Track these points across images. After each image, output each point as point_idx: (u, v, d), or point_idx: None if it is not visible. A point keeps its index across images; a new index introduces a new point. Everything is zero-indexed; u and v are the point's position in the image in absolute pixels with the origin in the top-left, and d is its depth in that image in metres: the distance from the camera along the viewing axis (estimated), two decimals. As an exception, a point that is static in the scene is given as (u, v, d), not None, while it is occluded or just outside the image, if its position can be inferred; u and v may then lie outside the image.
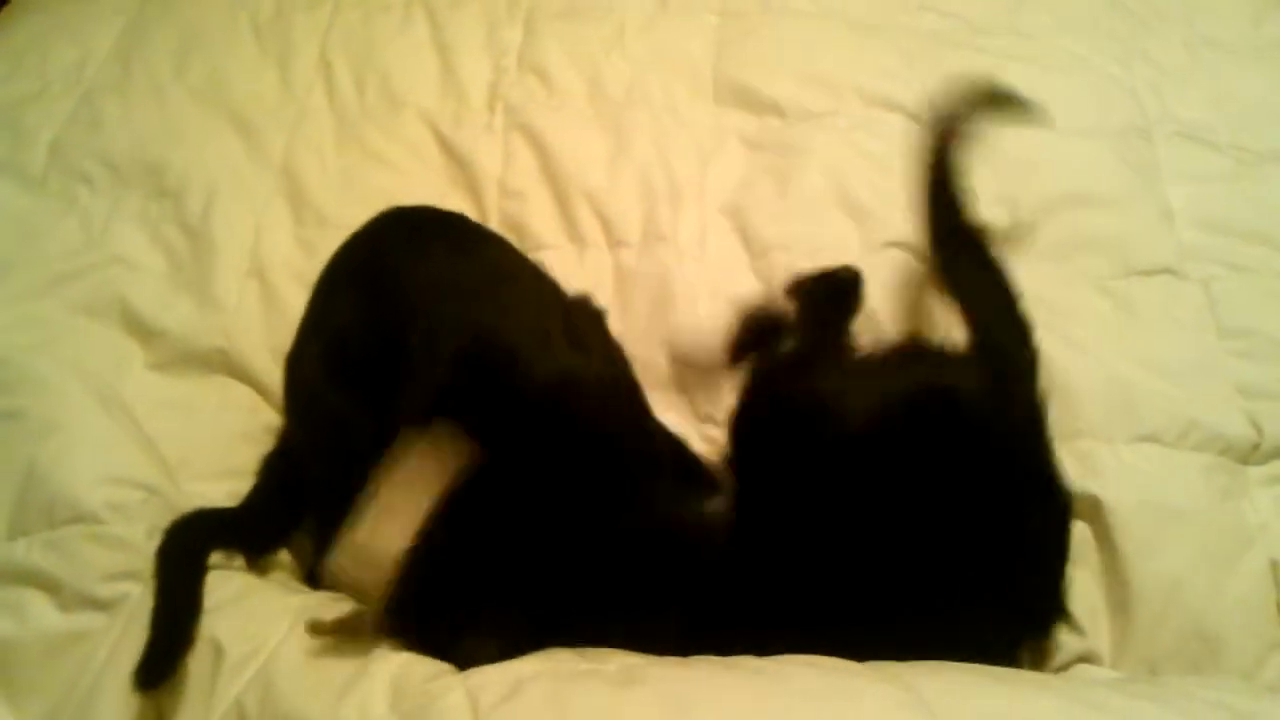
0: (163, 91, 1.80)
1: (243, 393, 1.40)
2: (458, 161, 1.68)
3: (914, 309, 1.42)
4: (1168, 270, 1.48)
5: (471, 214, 1.56)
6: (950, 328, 1.39)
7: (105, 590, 1.10)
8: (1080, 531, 1.20)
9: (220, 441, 1.35)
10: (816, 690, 0.89)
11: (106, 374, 1.36)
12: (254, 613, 1.06)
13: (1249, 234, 1.52)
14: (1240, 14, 1.91)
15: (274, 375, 1.38)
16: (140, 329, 1.44)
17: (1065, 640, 1.14)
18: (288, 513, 1.25)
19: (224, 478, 1.30)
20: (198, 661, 1.01)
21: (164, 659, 1.02)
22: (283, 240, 1.57)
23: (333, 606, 1.09)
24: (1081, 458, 1.25)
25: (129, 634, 1.05)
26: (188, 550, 1.14)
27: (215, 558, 1.15)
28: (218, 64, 1.84)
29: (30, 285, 1.48)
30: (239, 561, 1.19)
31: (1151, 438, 1.27)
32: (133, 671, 1.01)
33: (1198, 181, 1.60)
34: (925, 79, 1.73)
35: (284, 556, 1.24)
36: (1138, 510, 1.19)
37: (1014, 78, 1.73)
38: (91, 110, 1.76)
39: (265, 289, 1.50)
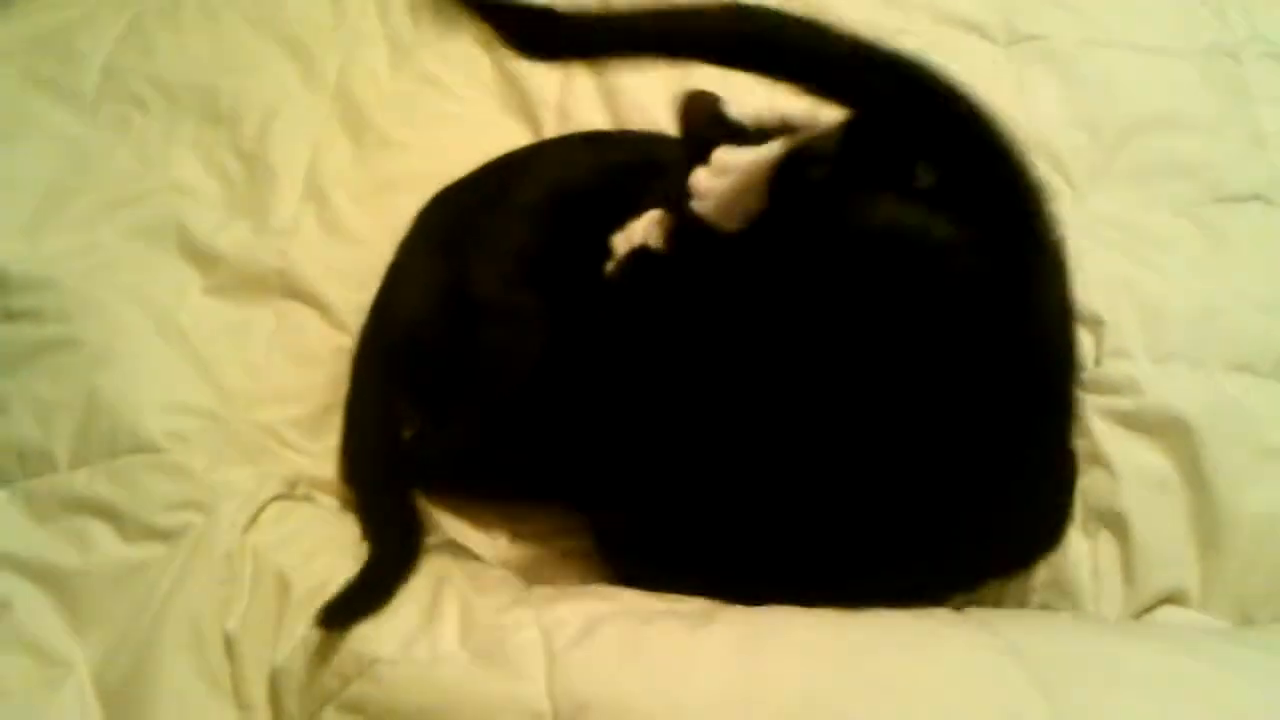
0: (214, 15, 1.76)
1: (302, 314, 1.37)
2: (514, 86, 1.63)
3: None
4: (1259, 197, 1.41)
5: (528, 140, 1.52)
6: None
7: (167, 520, 1.08)
8: (1161, 460, 1.15)
9: (279, 365, 1.33)
10: (900, 631, 0.86)
11: (164, 300, 1.34)
12: (320, 546, 1.04)
13: (1344, 159, 1.45)
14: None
15: (335, 293, 1.36)
16: (197, 254, 1.41)
17: (1151, 577, 1.10)
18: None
19: (284, 402, 1.28)
20: (263, 594, 1.00)
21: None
22: (341, 162, 1.53)
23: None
24: (1174, 382, 1.19)
25: (192, 565, 1.03)
26: None
27: (279, 486, 1.13)
28: (268, -14, 1.80)
29: (86, 212, 1.45)
30: (302, 489, 1.18)
31: (1246, 367, 1.21)
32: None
33: (1291, 104, 1.52)
34: (998, -4, 1.67)
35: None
36: (1231, 442, 1.14)
37: (1091, -7, 1.67)
38: (143, 34, 1.72)
39: (324, 210, 1.47)
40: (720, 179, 1.01)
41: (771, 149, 0.99)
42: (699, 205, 1.02)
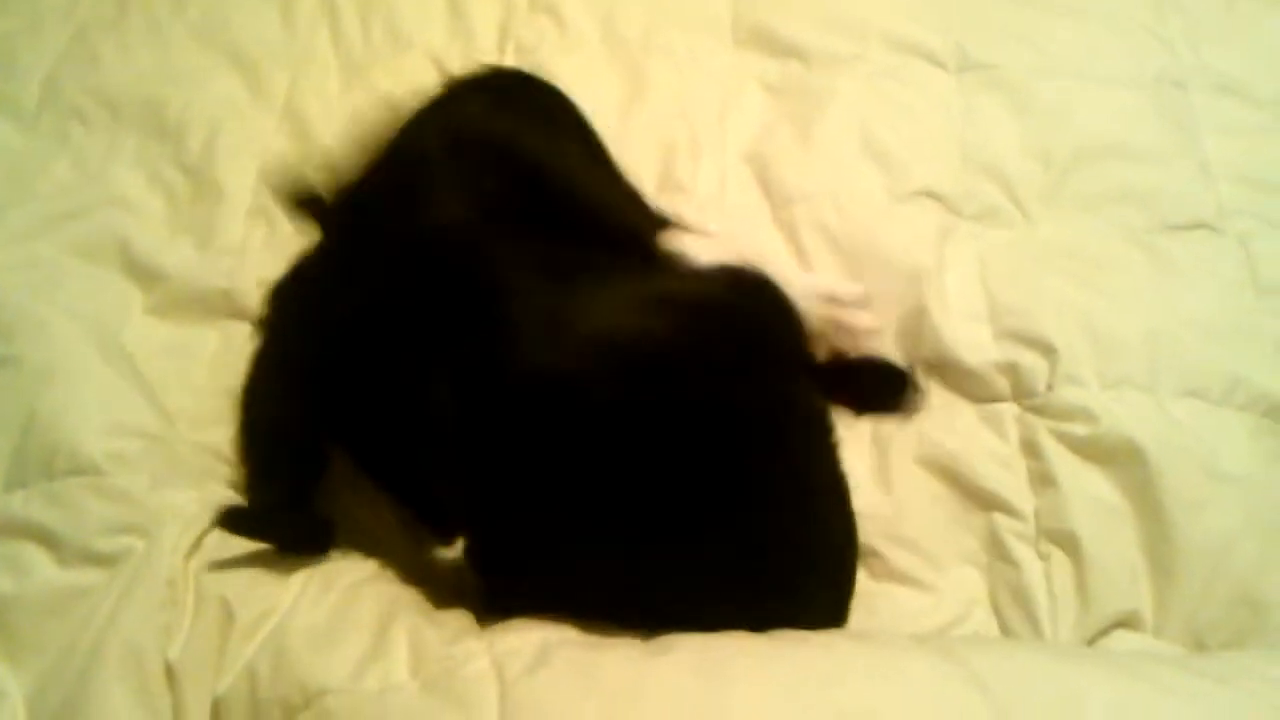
0: (160, 28, 1.74)
1: (246, 335, 1.34)
2: (464, 104, 1.62)
3: (944, 261, 1.37)
4: (1205, 225, 1.43)
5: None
6: (989, 276, 1.35)
7: (106, 544, 1.04)
8: (1111, 488, 1.16)
9: (222, 387, 1.29)
10: (862, 659, 0.85)
11: (105, 318, 1.31)
12: (264, 571, 1.01)
13: (1289, 190, 1.47)
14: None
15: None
16: (139, 271, 1.39)
17: (1104, 601, 1.10)
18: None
19: (227, 424, 1.25)
20: (206, 622, 0.96)
21: None
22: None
23: (345, 565, 1.06)
24: (1126, 408, 1.20)
25: (132, 591, 1.00)
26: None
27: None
28: (216, 1, 1.78)
29: (25, 226, 1.42)
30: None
31: (1196, 393, 1.22)
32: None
33: (1235, 135, 1.54)
34: (950, 23, 1.68)
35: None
36: (1184, 468, 1.15)
37: (1041, 24, 1.69)
38: (87, 46, 1.70)
39: (271, 229, 1.45)
40: None
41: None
42: None
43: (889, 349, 1.30)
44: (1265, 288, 1.36)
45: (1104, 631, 1.10)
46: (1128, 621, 1.10)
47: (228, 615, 0.96)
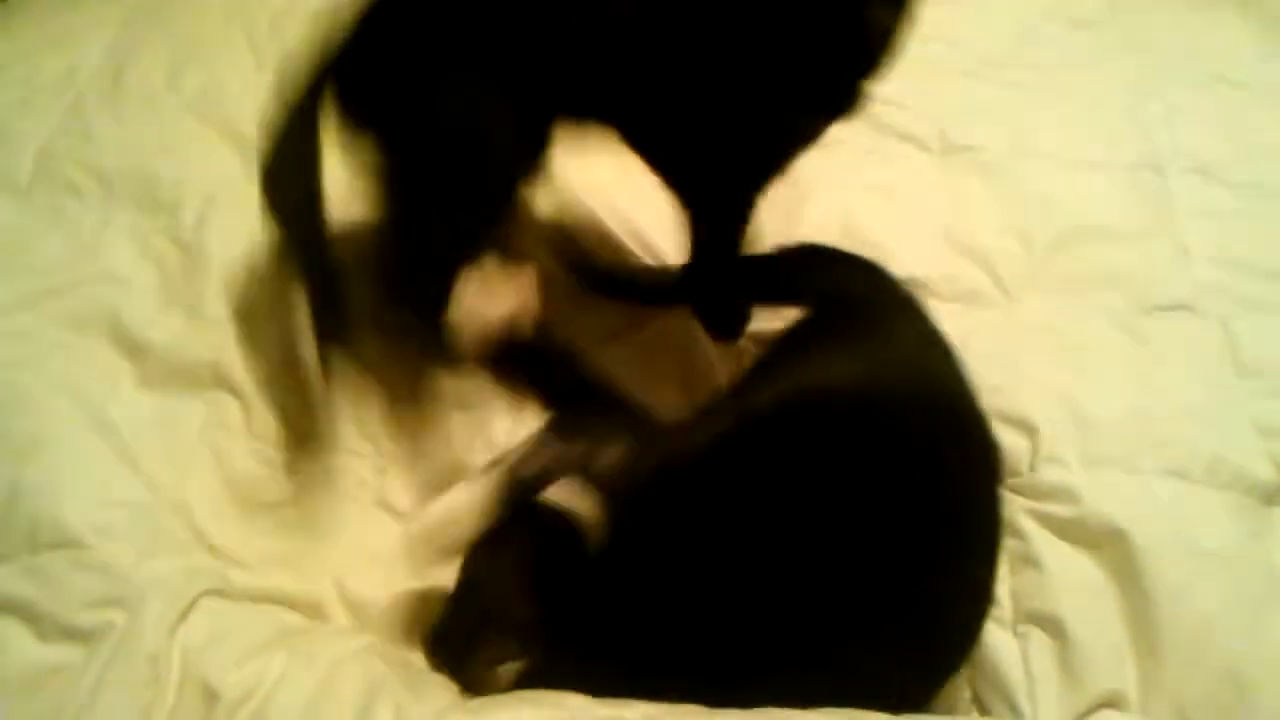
0: (155, 103, 1.75)
1: (233, 410, 1.34)
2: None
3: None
4: (1185, 307, 1.45)
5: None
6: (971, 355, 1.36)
7: (87, 619, 1.04)
8: (1095, 567, 1.17)
9: (209, 461, 1.29)
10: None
11: (94, 391, 1.30)
12: (247, 649, 1.00)
13: (1266, 272, 1.50)
14: (1247, 50, 1.91)
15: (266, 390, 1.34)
16: (129, 345, 1.38)
17: (1090, 681, 1.09)
18: None
19: (214, 498, 1.24)
20: (188, 706, 0.95)
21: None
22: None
23: (328, 639, 1.05)
24: (1108, 488, 1.21)
25: (112, 668, 0.99)
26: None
27: (209, 581, 1.09)
28: (212, 76, 1.80)
29: (16, 299, 1.42)
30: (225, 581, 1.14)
31: (1179, 473, 1.23)
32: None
33: (1213, 218, 1.57)
34: (933, 108, 1.72)
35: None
36: (1168, 548, 1.15)
37: (1023, 108, 1.73)
38: (81, 120, 1.72)
39: (260, 302, 1.43)
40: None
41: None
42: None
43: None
44: (1245, 369, 1.38)
45: (1090, 711, 1.09)
46: (1113, 701, 1.09)
47: (210, 698, 0.95)
